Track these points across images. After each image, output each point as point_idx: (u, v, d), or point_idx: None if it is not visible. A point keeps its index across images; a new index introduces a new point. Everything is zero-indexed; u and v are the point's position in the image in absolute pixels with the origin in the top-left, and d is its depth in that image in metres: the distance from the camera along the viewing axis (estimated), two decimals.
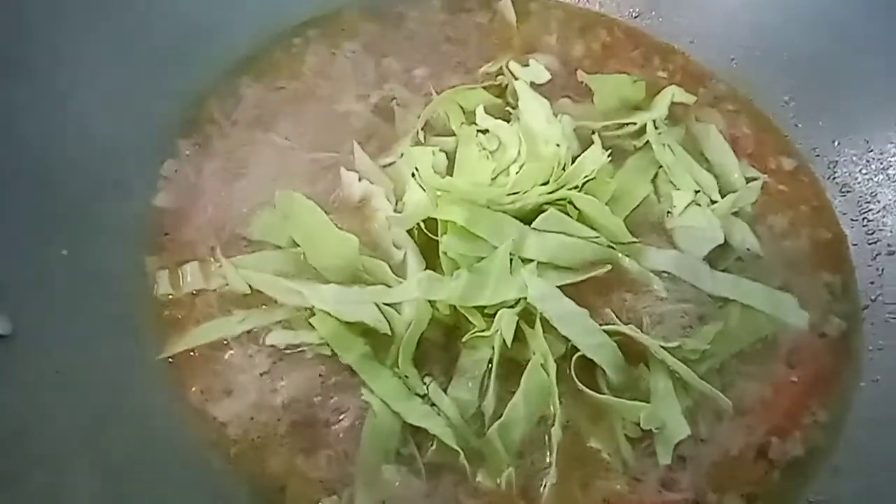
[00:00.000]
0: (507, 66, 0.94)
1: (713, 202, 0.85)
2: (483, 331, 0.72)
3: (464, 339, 0.72)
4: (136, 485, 0.63)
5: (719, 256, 0.83)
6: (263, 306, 0.75)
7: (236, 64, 0.94)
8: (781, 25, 0.99)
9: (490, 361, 0.71)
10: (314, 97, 0.92)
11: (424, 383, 0.71)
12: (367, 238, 0.79)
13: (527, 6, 1.05)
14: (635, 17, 1.06)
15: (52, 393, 0.62)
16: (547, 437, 0.70)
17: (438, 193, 0.77)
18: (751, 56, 1.01)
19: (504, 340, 0.70)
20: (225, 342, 0.73)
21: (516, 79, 0.91)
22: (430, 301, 0.73)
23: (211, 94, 0.90)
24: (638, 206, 0.83)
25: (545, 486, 0.69)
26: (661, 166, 0.87)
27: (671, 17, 1.05)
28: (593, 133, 0.88)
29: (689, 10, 1.04)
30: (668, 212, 0.84)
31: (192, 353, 0.73)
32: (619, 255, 0.78)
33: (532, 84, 0.91)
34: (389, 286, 0.74)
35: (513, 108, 0.89)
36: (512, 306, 0.72)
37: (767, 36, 1.00)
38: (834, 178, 0.94)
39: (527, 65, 0.93)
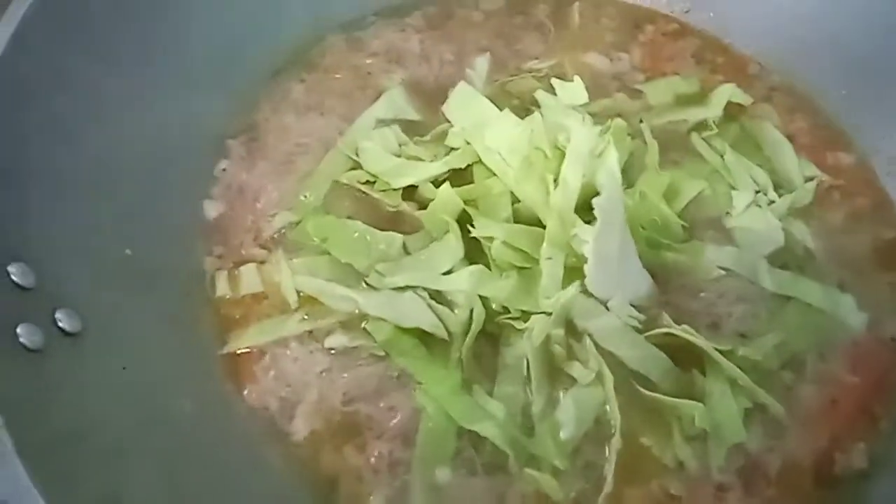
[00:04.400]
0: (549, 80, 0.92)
1: (771, 201, 0.83)
2: (516, 321, 0.72)
3: (501, 328, 0.73)
4: (195, 481, 0.64)
5: (775, 255, 0.81)
6: (321, 307, 0.76)
7: (287, 61, 0.94)
8: (836, 17, 0.96)
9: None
10: (364, 87, 0.93)
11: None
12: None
13: (571, 4, 1.04)
14: (686, 13, 1.04)
15: (118, 390, 0.64)
16: (607, 447, 0.70)
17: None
18: (805, 50, 0.98)
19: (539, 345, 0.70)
20: (284, 340, 0.74)
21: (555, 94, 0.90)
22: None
23: (260, 94, 0.91)
24: (693, 202, 0.82)
25: (602, 494, 0.68)
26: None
27: (723, 11, 1.03)
28: (641, 122, 0.88)
29: (741, 4, 1.02)
30: (728, 212, 0.82)
31: (251, 351, 0.74)
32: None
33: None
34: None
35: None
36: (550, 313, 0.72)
37: (823, 29, 0.97)
38: (894, 174, 0.91)
39: (571, 80, 0.91)
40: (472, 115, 0.84)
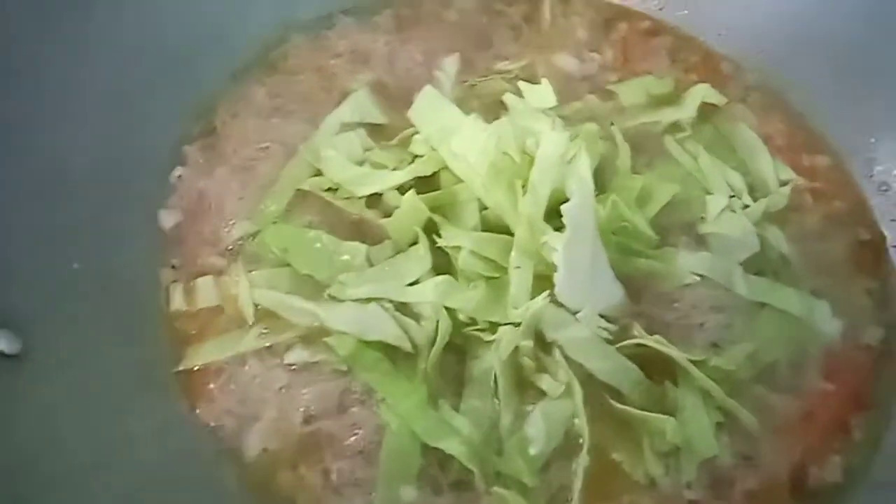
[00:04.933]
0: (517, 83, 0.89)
1: (745, 205, 0.82)
2: (484, 332, 0.70)
3: (468, 340, 0.71)
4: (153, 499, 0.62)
5: (750, 261, 0.79)
6: (281, 320, 0.73)
7: (248, 62, 0.91)
8: (815, 16, 0.94)
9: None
10: (329, 89, 0.90)
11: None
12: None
13: (543, 1, 1.01)
14: (661, 10, 1.02)
15: (64, 412, 0.61)
16: (574, 464, 0.68)
17: None
18: (782, 49, 0.96)
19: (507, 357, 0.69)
20: (242, 356, 0.72)
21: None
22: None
23: (219, 97, 0.88)
24: (666, 206, 0.79)
25: None
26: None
27: (698, 8, 1.01)
28: (612, 125, 0.86)
29: (717, 2, 1.00)
30: (702, 217, 0.80)
31: (206, 368, 0.72)
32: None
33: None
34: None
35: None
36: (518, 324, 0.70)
37: (800, 28, 0.95)
38: (871, 177, 0.90)
39: (538, 83, 0.88)
40: (438, 120, 0.81)
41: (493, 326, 0.71)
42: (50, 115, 0.71)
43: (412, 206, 0.76)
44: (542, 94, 0.86)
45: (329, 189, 0.80)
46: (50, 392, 0.61)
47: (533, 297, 0.70)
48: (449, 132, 0.80)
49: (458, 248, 0.73)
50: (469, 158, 0.78)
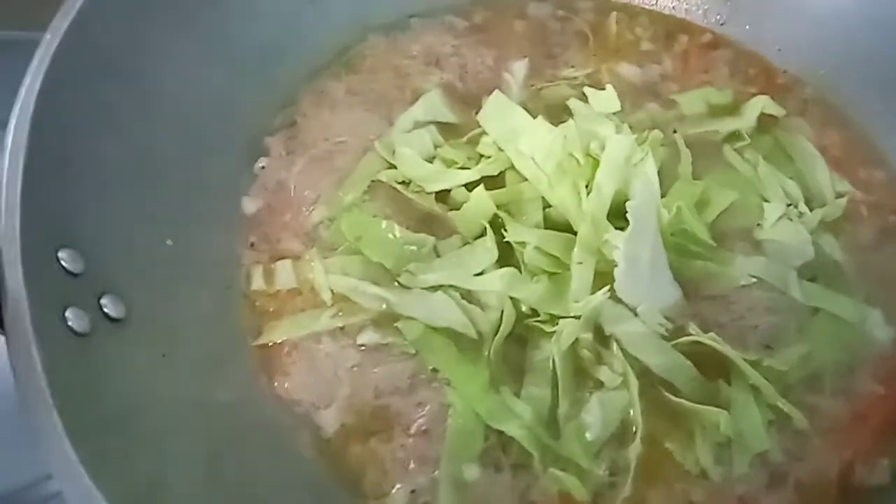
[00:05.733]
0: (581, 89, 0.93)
1: (801, 214, 0.84)
2: (545, 324, 0.73)
3: (529, 331, 0.74)
4: (230, 466, 0.66)
5: (804, 268, 0.81)
6: (354, 304, 0.77)
7: (327, 60, 0.96)
8: (872, 32, 0.96)
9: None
10: (403, 88, 0.94)
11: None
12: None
13: (609, 13, 1.05)
14: (722, 25, 1.05)
15: (158, 376, 0.66)
16: (628, 451, 0.71)
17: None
18: (840, 64, 0.98)
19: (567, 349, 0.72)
20: (317, 335, 0.76)
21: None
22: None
23: (300, 92, 0.93)
24: (724, 213, 0.82)
25: (621, 497, 0.69)
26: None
27: (758, 24, 1.04)
28: (674, 132, 0.89)
29: (777, 17, 1.02)
30: (759, 224, 0.83)
31: (283, 344, 0.76)
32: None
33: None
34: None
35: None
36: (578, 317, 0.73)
37: (857, 43, 0.97)
38: None
39: (603, 89, 0.92)
40: (505, 123, 0.85)
41: (554, 319, 0.74)
42: (146, 106, 0.76)
43: (480, 201, 0.80)
44: (607, 99, 0.90)
45: (402, 182, 0.84)
46: (144, 357, 0.65)
47: (593, 293, 0.74)
48: (516, 134, 0.84)
49: (524, 243, 0.77)
50: (535, 158, 0.81)
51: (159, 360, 0.66)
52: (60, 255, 0.60)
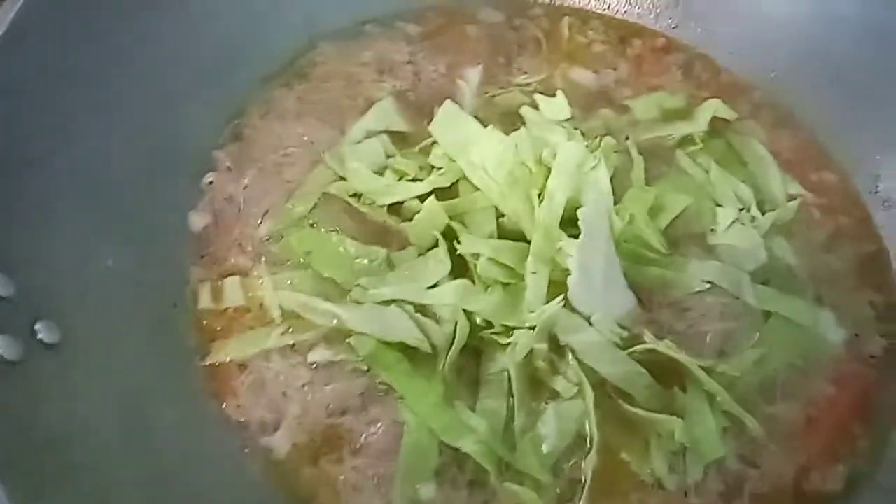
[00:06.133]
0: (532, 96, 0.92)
1: (753, 218, 0.84)
2: (500, 336, 0.73)
3: (484, 343, 0.73)
4: (175, 493, 0.64)
5: (757, 271, 0.81)
6: (304, 320, 0.76)
7: (277, 69, 0.94)
8: (824, 36, 0.97)
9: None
10: (354, 97, 0.93)
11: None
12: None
13: (561, 18, 1.04)
14: (674, 28, 1.05)
15: (99, 400, 0.64)
16: (582, 463, 0.70)
17: None
18: (791, 67, 0.99)
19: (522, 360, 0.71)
20: (266, 353, 0.74)
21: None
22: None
23: (249, 103, 0.91)
24: (677, 218, 0.82)
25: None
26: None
27: (709, 27, 1.04)
28: (627, 138, 0.88)
29: (728, 21, 1.03)
30: (712, 228, 0.83)
31: (232, 364, 0.74)
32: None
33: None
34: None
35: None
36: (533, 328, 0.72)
37: (810, 47, 0.98)
38: (876, 192, 0.92)
39: (550, 94, 0.91)
40: (457, 133, 0.84)
41: (509, 330, 0.73)
42: (88, 119, 0.74)
43: (432, 213, 0.79)
44: (558, 106, 0.89)
45: (353, 195, 0.83)
46: (83, 382, 0.63)
47: (548, 302, 0.73)
48: (468, 144, 0.83)
49: (477, 254, 0.76)
50: (487, 168, 0.81)
51: (98, 385, 0.64)
52: None
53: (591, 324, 0.74)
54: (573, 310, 0.74)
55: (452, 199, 0.81)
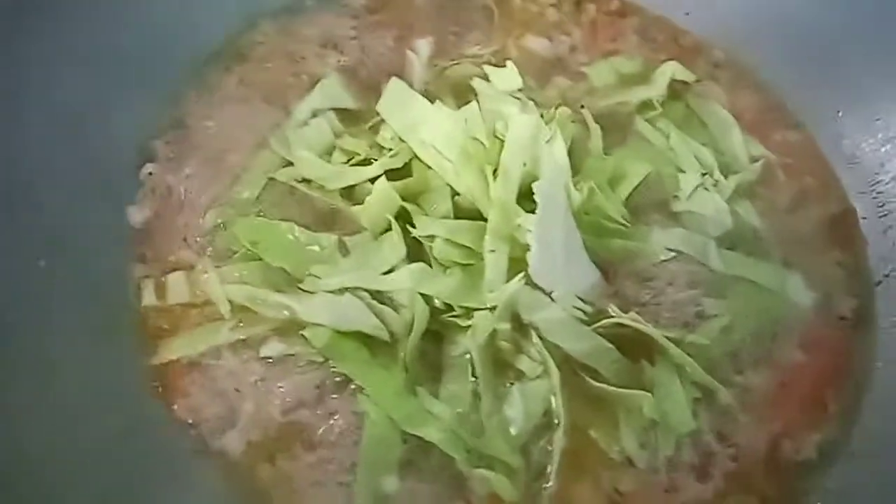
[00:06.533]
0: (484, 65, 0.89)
1: (716, 182, 0.82)
2: (461, 318, 0.70)
3: (445, 327, 0.71)
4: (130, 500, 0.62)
5: (723, 237, 0.80)
6: (255, 313, 0.73)
7: (215, 51, 0.90)
8: None
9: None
10: (298, 74, 0.89)
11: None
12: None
13: None
14: None
15: (37, 416, 0.60)
16: (549, 444, 0.68)
17: None
18: (750, 26, 0.96)
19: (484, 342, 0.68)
20: (216, 350, 0.71)
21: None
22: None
23: (188, 88, 0.87)
24: (640, 186, 0.79)
25: (546, 489, 0.67)
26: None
27: None
28: (582, 107, 0.86)
29: None
30: (675, 195, 0.81)
31: (181, 364, 0.71)
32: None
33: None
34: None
35: None
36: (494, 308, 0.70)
37: (767, 4, 0.95)
38: (840, 150, 0.90)
39: (503, 65, 0.87)
40: (405, 112, 0.81)
41: (469, 311, 0.71)
42: (16, 111, 0.70)
43: (384, 195, 0.75)
44: (509, 77, 0.86)
45: (301, 180, 0.79)
46: (21, 395, 0.60)
47: (508, 281, 0.70)
48: (417, 122, 0.79)
49: (433, 236, 0.73)
50: (437, 146, 0.77)
51: (37, 398, 0.61)
52: None
53: (553, 300, 0.71)
54: (535, 287, 0.71)
55: (405, 179, 0.78)
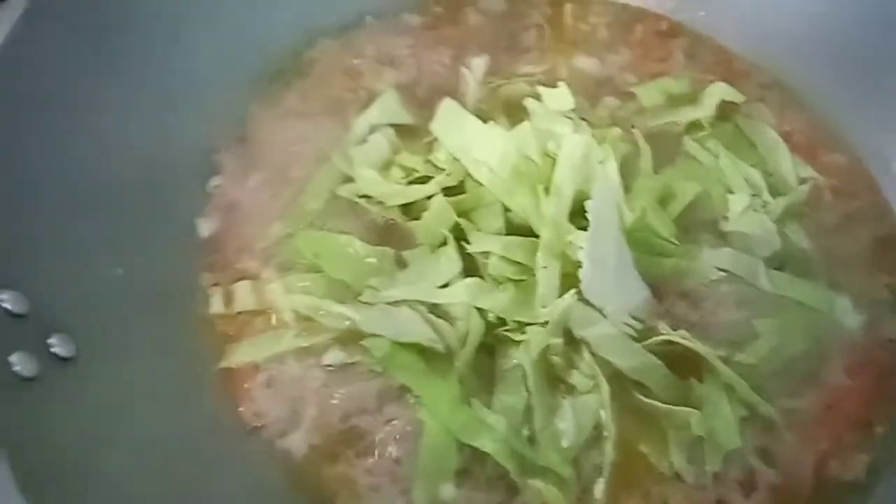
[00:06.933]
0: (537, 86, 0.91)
1: (765, 203, 0.83)
2: (514, 332, 0.72)
3: (498, 340, 0.73)
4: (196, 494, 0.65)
5: (771, 257, 0.80)
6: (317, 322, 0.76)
7: (277, 68, 0.94)
8: (831, 15, 0.95)
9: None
10: (357, 90, 0.92)
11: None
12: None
13: (563, 4, 1.03)
14: (677, 12, 1.03)
15: (116, 412, 0.63)
16: (599, 457, 0.70)
17: None
18: (799, 49, 0.97)
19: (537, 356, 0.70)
20: (280, 356, 0.74)
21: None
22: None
23: (251, 104, 0.90)
24: (688, 205, 0.81)
25: (596, 502, 0.69)
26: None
27: (714, 9, 1.02)
28: (633, 127, 0.87)
29: (733, 2, 1.01)
30: (724, 216, 0.82)
31: (246, 369, 0.74)
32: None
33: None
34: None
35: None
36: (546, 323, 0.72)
37: (816, 26, 0.96)
38: (889, 172, 0.91)
39: (555, 85, 0.89)
40: (459, 132, 0.83)
41: (522, 326, 0.73)
42: (89, 131, 0.73)
43: (440, 211, 0.78)
44: (561, 97, 0.88)
45: (362, 196, 0.82)
46: (99, 394, 0.63)
47: (560, 297, 0.72)
48: (470, 142, 0.82)
49: (487, 252, 0.75)
50: (491, 165, 0.80)
51: (115, 398, 0.64)
52: (2, 296, 0.58)
53: (604, 316, 0.73)
54: (586, 303, 0.73)
55: (460, 195, 0.80)
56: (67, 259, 0.66)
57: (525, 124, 0.82)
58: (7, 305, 0.58)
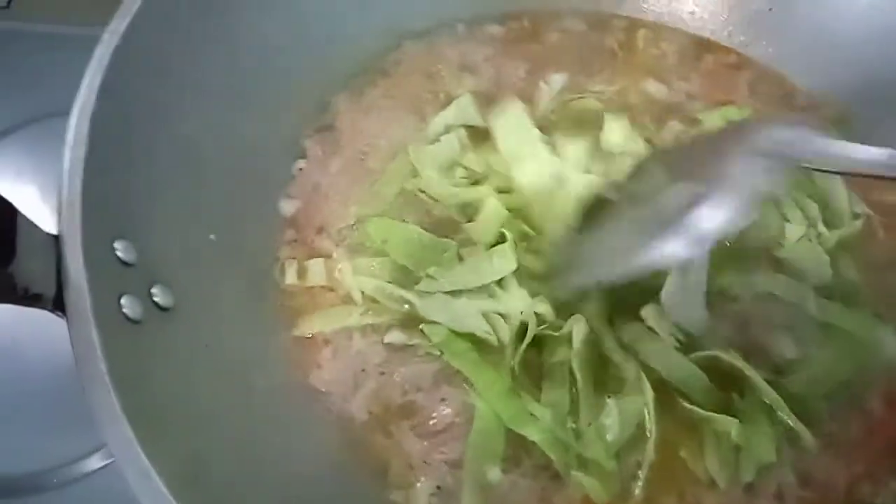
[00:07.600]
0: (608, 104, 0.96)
1: (818, 233, 0.86)
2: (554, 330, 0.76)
3: (546, 338, 0.77)
4: (265, 450, 0.69)
5: (821, 286, 0.83)
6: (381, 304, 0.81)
7: (363, 66, 1.00)
8: (892, 60, 0.98)
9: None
10: (436, 92, 0.98)
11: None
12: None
13: (637, 30, 1.08)
14: (746, 45, 1.07)
15: (202, 364, 0.69)
16: (640, 455, 0.73)
17: None
18: (861, 89, 1.00)
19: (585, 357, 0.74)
20: (348, 330, 0.80)
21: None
22: None
23: (338, 96, 0.97)
24: (746, 230, 0.83)
25: (634, 497, 0.73)
26: None
27: (781, 45, 1.06)
28: None
29: (799, 40, 1.04)
30: (780, 243, 0.85)
31: (316, 339, 0.80)
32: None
33: None
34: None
35: None
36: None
37: (879, 69, 0.99)
38: None
39: (626, 109, 0.95)
40: (516, 134, 0.88)
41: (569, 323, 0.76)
42: (195, 107, 0.79)
43: (493, 212, 0.84)
44: (620, 129, 0.92)
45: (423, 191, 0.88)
46: (189, 346, 0.69)
47: None
48: (523, 153, 0.87)
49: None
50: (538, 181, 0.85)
51: (202, 349, 0.70)
52: (116, 245, 0.63)
53: (657, 332, 0.77)
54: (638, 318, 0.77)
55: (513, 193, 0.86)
56: (171, 221, 0.72)
57: (582, 143, 0.87)
58: (119, 253, 0.63)
